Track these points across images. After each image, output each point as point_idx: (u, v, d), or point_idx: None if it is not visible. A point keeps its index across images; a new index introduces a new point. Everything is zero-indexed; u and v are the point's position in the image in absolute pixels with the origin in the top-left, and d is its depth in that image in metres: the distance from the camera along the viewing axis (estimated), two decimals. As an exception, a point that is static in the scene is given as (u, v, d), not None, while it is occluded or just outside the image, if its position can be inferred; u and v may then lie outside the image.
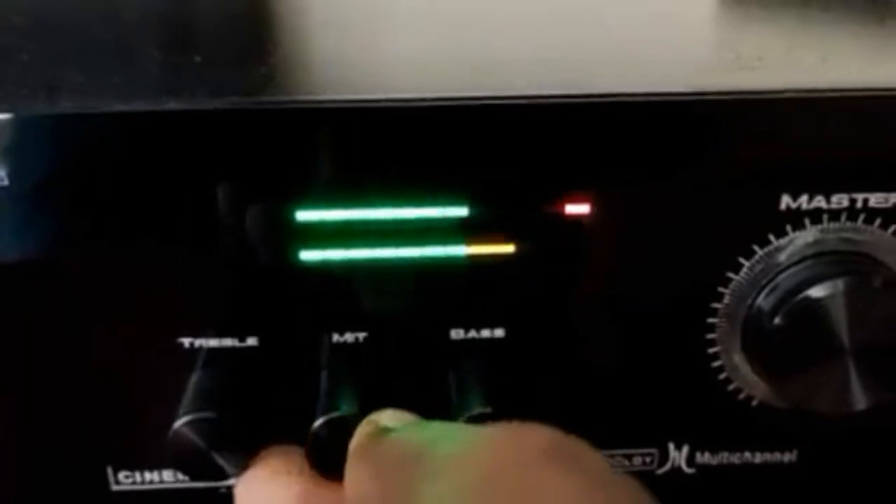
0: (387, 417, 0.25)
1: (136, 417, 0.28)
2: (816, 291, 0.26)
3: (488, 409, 0.26)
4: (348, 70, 0.30)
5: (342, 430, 0.26)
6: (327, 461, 0.26)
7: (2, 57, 0.30)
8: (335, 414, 0.26)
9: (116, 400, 0.28)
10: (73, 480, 0.30)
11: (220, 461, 0.26)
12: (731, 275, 0.27)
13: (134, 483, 0.29)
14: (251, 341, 0.28)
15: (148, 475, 0.29)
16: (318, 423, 0.26)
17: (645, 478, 0.30)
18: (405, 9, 0.39)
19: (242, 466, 0.26)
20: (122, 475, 0.29)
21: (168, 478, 0.29)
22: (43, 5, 0.38)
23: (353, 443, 0.24)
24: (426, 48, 0.32)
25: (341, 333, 0.28)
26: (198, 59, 0.30)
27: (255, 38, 0.35)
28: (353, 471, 0.23)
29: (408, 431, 0.23)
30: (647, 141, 0.26)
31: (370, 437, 0.24)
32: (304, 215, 0.26)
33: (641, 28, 0.35)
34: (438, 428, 0.23)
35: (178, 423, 0.26)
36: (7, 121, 0.24)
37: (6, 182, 0.25)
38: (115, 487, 0.29)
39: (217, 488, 0.30)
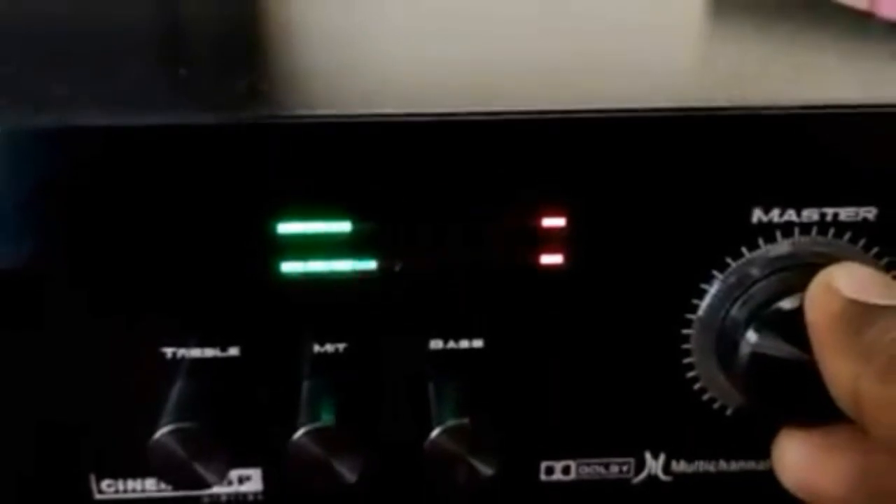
0: (840, 276, 0.24)
1: (119, 426, 0.29)
2: (788, 303, 0.26)
3: (466, 420, 0.26)
4: (331, 84, 0.30)
5: (323, 440, 0.26)
6: (308, 472, 0.26)
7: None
8: (316, 424, 0.26)
9: (99, 409, 0.28)
10: (56, 489, 0.30)
11: (202, 470, 0.26)
12: (705, 286, 0.27)
13: (117, 491, 0.30)
14: (233, 351, 0.28)
15: (131, 483, 0.30)
16: (298, 433, 0.26)
17: (621, 486, 0.31)
18: (390, 24, 0.39)
19: (223, 476, 0.27)
20: (104, 484, 0.30)
21: (151, 486, 0.30)
22: (27, 16, 0.39)
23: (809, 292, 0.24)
24: (411, 62, 0.32)
25: (322, 344, 0.28)
26: (182, 71, 0.30)
27: (239, 51, 0.35)
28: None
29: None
30: (624, 155, 0.26)
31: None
32: (284, 227, 0.26)
33: (625, 42, 0.36)
34: None
35: (159, 433, 0.26)
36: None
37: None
38: (97, 496, 0.30)
39: (200, 497, 0.30)
